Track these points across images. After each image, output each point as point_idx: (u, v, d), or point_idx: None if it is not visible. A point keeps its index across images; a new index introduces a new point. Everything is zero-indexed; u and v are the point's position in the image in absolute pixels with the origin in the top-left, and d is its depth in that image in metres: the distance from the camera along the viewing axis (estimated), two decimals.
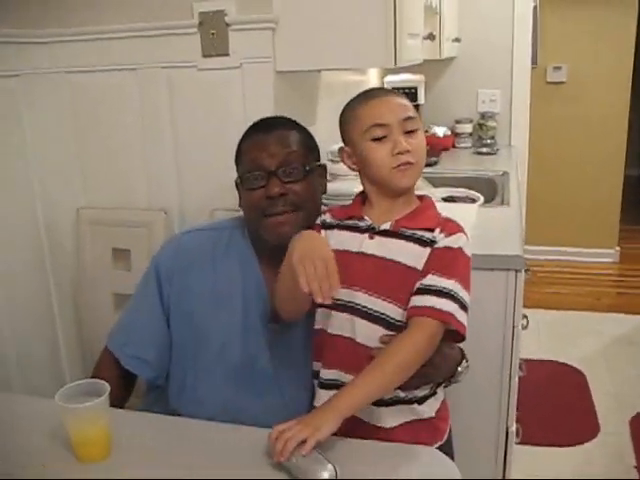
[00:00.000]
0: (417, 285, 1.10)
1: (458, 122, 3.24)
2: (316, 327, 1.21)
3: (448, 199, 2.09)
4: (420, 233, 1.14)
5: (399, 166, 1.12)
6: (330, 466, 0.96)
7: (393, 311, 1.12)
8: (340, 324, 1.15)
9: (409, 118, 1.14)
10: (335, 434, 1.00)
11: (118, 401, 1.31)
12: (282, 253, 1.09)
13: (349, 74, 2.47)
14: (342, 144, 1.21)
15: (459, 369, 1.21)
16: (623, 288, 3.99)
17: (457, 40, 3.00)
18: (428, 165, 2.50)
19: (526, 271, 1.60)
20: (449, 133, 3.19)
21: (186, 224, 1.70)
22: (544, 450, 2.38)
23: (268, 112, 1.43)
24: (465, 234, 1.15)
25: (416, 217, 1.16)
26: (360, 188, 1.23)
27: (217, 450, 1.09)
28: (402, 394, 1.15)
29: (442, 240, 1.12)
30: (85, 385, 1.08)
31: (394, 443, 1.10)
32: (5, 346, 1.60)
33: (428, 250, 1.12)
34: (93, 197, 1.80)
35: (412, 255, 1.12)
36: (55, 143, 1.72)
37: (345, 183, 1.71)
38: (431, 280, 1.09)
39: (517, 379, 1.66)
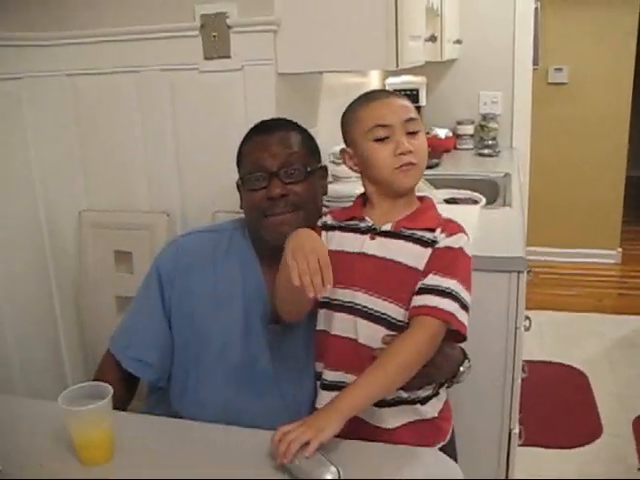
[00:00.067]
0: (418, 285, 1.10)
1: (459, 124, 3.24)
2: (318, 328, 1.21)
3: (450, 201, 2.10)
4: (421, 233, 1.14)
5: (401, 166, 1.12)
6: (333, 468, 0.96)
7: (395, 311, 1.12)
8: (342, 325, 1.16)
9: (411, 119, 1.14)
10: (338, 435, 1.00)
11: (120, 404, 1.30)
12: (282, 254, 1.09)
13: (350, 76, 2.47)
14: (344, 146, 1.21)
15: (461, 369, 1.21)
16: (625, 290, 3.98)
17: (458, 42, 2.99)
18: (429, 167, 2.49)
19: (528, 272, 1.60)
20: (450, 135, 3.18)
21: (188, 226, 1.70)
22: (547, 451, 2.38)
23: (270, 114, 1.43)
24: (466, 234, 1.15)
25: (417, 218, 1.16)
26: (361, 190, 1.23)
27: (219, 452, 1.08)
28: (405, 394, 1.15)
29: (443, 240, 1.13)
30: (88, 388, 1.08)
31: (397, 445, 1.10)
32: (7, 349, 1.60)
33: (429, 250, 1.12)
34: (95, 200, 1.80)
35: (413, 255, 1.13)
36: (57, 146, 1.72)
37: (346, 185, 1.72)
38: (432, 280, 1.09)
39: (519, 380, 1.65)
